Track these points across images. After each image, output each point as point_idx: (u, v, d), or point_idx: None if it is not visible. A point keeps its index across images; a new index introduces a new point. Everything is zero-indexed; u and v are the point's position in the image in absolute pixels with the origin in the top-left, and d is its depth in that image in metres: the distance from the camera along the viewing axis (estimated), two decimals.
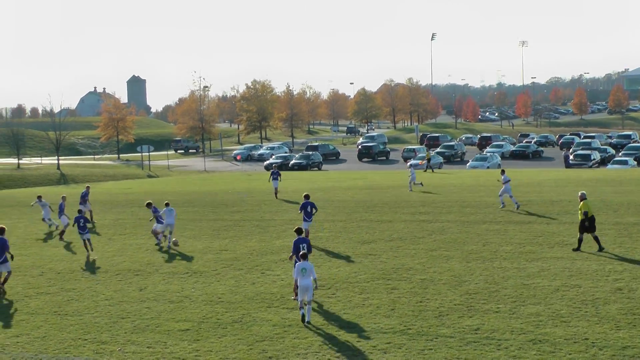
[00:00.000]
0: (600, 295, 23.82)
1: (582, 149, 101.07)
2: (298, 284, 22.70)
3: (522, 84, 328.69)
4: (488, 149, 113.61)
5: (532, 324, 21.04)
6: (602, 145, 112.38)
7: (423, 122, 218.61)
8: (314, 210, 35.38)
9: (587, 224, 30.99)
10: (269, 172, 57.95)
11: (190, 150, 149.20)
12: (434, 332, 20.74)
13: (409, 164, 67.07)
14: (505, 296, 24.25)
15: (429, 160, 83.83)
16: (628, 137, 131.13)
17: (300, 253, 23.47)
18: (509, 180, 44.52)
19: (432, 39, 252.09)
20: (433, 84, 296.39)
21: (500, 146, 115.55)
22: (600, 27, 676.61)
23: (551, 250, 31.35)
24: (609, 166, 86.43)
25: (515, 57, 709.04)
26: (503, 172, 46.34)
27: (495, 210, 43.07)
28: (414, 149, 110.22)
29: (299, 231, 25.50)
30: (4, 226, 29.33)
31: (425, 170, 79.69)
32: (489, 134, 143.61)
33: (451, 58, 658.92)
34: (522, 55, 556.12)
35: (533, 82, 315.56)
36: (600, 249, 30.94)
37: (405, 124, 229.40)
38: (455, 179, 67.65)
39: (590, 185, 53.81)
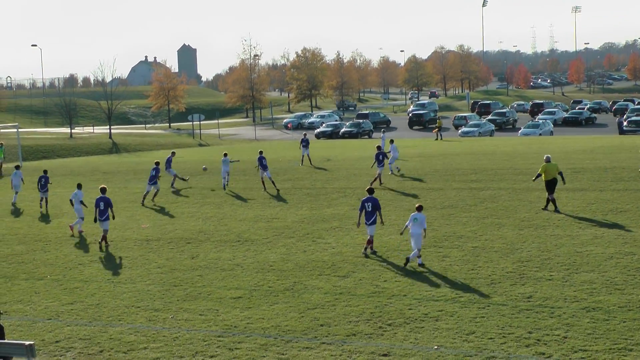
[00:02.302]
0: None
1: (636, 115, 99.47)
2: (410, 233, 24.96)
3: (575, 50, 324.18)
4: (540, 116, 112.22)
5: (586, 292, 20.85)
6: None
7: (474, 90, 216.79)
8: (384, 159, 44.40)
9: (546, 186, 33.45)
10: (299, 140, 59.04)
11: (349, 108, 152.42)
12: (486, 300, 20.65)
13: (381, 134, 66.80)
14: (558, 264, 24.05)
15: (439, 128, 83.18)
16: None
17: (417, 205, 25.75)
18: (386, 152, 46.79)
19: (483, 5, 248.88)
20: (484, 50, 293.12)
21: (553, 113, 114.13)
22: None
23: (604, 218, 30.99)
24: None
25: (568, 23, 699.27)
26: (392, 141, 49.33)
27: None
28: (464, 116, 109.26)
29: (370, 191, 27.40)
30: (105, 186, 31.08)
31: (436, 139, 79.05)
32: (541, 101, 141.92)
33: (503, 24, 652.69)
34: (575, 21, 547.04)
35: (586, 48, 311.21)
36: (554, 209, 32.85)
37: (456, 92, 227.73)
38: (507, 147, 67.01)
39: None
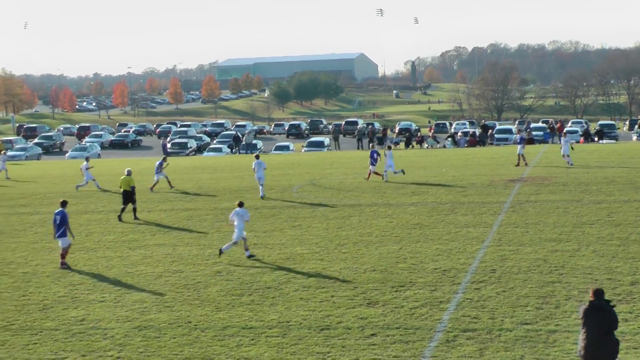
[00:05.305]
0: (201, 279, 24.71)
1: (179, 137, 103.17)
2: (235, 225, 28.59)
3: (118, 74, 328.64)
4: (87, 138, 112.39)
5: (137, 311, 21.39)
6: (197, 133, 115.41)
7: (19, 113, 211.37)
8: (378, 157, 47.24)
9: (122, 197, 36.78)
10: None
11: None
12: (39, 325, 20.44)
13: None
14: (110, 285, 24.42)
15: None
16: (221, 125, 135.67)
17: (238, 202, 31.12)
18: None
19: (24, 27, 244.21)
20: (27, 74, 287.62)
21: (100, 136, 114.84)
22: (191, 20, 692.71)
23: (153, 238, 31.94)
24: (205, 153, 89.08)
25: (110, 48, 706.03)
26: None
27: (97, 200, 42.98)
28: (10, 140, 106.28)
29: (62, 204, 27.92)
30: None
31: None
32: (87, 124, 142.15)
33: (47, 49, 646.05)
34: (117, 46, 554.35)
35: (129, 72, 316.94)
36: (135, 218, 36.65)
37: (1, 115, 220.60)
38: (55, 170, 66.41)
39: (188, 172, 55.30)
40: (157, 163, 47.71)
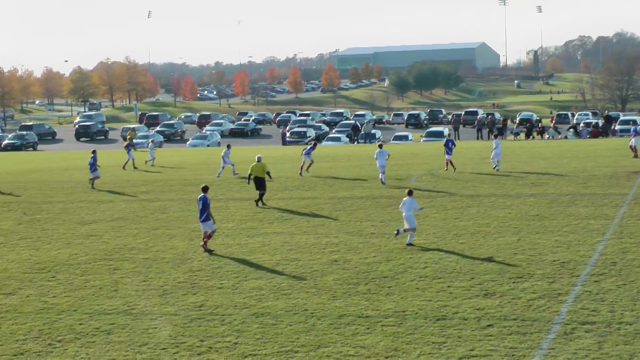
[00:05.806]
0: (318, 268, 24.78)
1: (298, 127, 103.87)
2: (403, 215, 27.78)
3: (239, 62, 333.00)
4: (208, 127, 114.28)
5: (255, 298, 21.58)
6: (316, 122, 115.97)
7: (142, 101, 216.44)
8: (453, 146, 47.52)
9: (255, 184, 37.18)
10: None
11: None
12: (158, 310, 20.80)
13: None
14: (228, 272, 24.70)
15: (131, 139, 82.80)
16: (340, 114, 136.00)
17: (407, 190, 31.49)
18: None
19: (148, 17, 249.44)
20: (151, 62, 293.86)
21: (220, 124, 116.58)
22: (312, 9, 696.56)
23: (271, 226, 32.20)
24: (324, 143, 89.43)
25: (231, 37, 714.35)
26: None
27: (217, 187, 43.58)
28: (133, 127, 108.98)
29: (204, 189, 28.40)
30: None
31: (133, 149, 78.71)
32: (208, 113, 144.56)
33: (169, 38, 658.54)
34: (238, 35, 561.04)
35: (250, 61, 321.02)
36: (257, 204, 37.11)
37: (124, 103, 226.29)
38: (176, 158, 67.68)
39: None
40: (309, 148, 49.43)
